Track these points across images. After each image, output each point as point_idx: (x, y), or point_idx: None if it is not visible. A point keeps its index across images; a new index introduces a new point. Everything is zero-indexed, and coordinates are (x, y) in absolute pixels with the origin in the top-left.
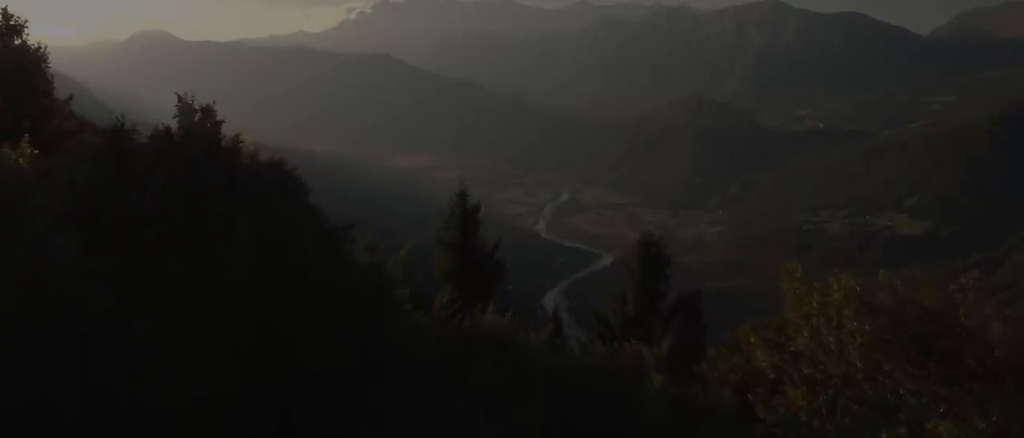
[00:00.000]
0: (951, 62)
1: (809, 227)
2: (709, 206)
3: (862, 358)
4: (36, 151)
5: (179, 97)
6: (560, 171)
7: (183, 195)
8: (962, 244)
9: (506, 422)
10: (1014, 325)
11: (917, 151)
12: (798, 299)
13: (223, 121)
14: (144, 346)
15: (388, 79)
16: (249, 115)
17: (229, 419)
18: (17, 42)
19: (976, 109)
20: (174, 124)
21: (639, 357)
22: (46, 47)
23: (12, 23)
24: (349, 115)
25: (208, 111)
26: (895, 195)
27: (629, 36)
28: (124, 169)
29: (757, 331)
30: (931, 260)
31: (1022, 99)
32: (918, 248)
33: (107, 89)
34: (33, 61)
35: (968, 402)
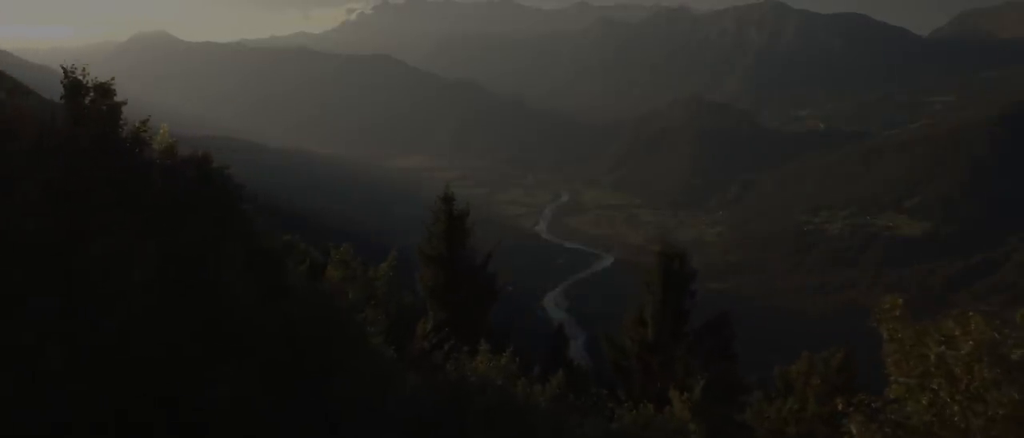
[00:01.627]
0: (951, 62)
1: (809, 228)
2: (709, 207)
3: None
4: None
5: (65, 71)
6: (560, 171)
7: (63, 203)
8: (963, 245)
9: None
10: None
11: (917, 151)
12: (905, 351)
13: (124, 102)
14: None
15: (388, 80)
16: (249, 116)
17: None
18: None
19: (976, 109)
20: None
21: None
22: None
23: None
24: (349, 116)
25: (103, 90)
26: (895, 196)
27: (629, 36)
28: None
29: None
30: (932, 261)
31: (1022, 99)
32: (919, 249)
33: None
34: None
35: None
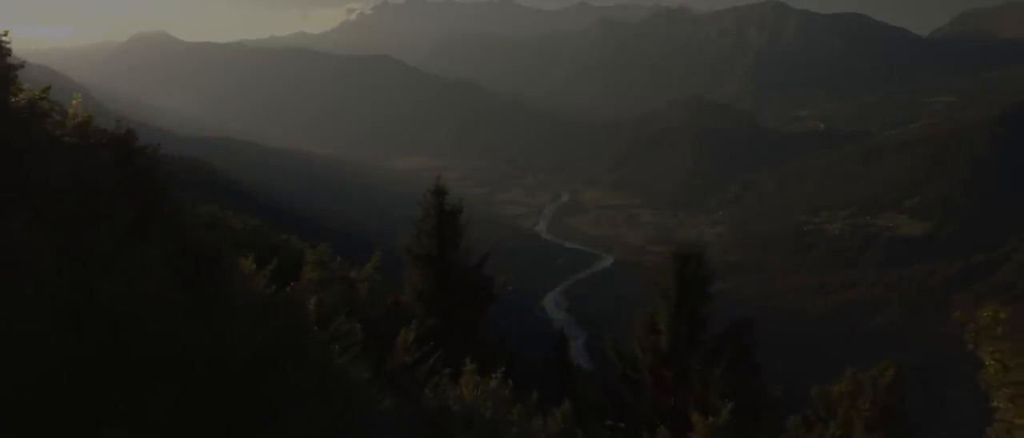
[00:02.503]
0: (952, 62)
1: (809, 228)
2: (709, 207)
3: None
4: None
5: None
6: (560, 172)
7: None
8: (963, 245)
9: None
10: None
11: (918, 152)
12: (1018, 379)
13: (20, 65)
14: None
15: (388, 80)
16: (249, 116)
17: None
18: None
19: (977, 109)
20: None
21: None
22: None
23: None
24: (349, 116)
25: None
26: (896, 196)
27: (629, 37)
28: None
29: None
30: (932, 261)
31: (1023, 99)
32: (919, 249)
33: (107, 90)
34: None
35: None
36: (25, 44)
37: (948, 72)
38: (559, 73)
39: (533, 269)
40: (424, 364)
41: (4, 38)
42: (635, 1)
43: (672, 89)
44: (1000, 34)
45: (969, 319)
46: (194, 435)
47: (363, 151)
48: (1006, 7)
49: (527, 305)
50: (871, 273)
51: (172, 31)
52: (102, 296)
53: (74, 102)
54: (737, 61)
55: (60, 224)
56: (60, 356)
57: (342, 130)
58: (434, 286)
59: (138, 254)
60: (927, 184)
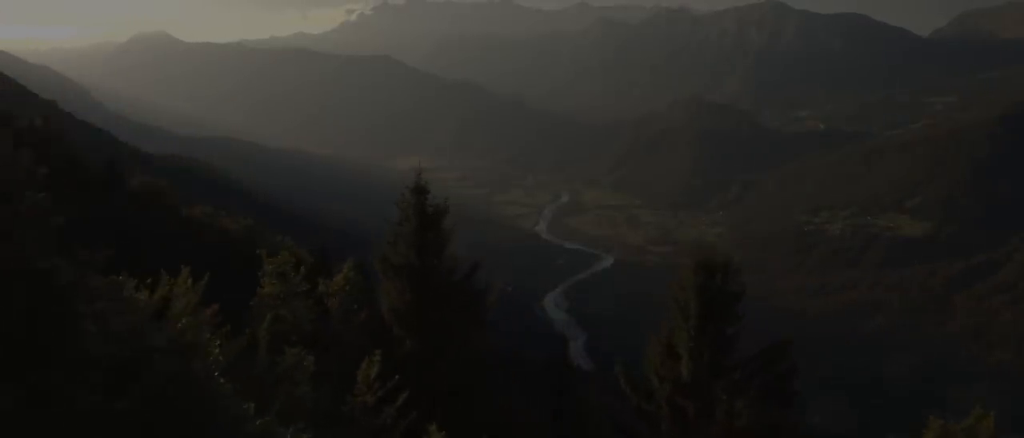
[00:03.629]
0: (952, 63)
1: (810, 228)
2: (709, 207)
3: None
4: None
5: None
6: (560, 172)
7: None
8: (964, 245)
9: None
10: None
11: (918, 152)
12: None
13: None
14: None
15: (388, 80)
16: (249, 116)
17: None
18: None
19: (977, 110)
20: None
21: None
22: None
23: None
24: (349, 116)
25: None
26: (896, 196)
27: (629, 37)
28: None
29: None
30: (933, 261)
31: (1023, 100)
32: (920, 249)
33: (107, 91)
34: None
35: None
36: (26, 44)
37: (948, 72)
38: (559, 73)
39: (533, 269)
40: (391, 403)
41: None
42: (635, 1)
43: (672, 89)
44: (1000, 34)
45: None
46: None
47: (363, 151)
48: (1006, 7)
49: (527, 305)
50: (872, 273)
51: (172, 31)
52: None
53: None
54: (737, 61)
55: None
56: None
57: (342, 130)
58: (413, 302)
59: None
60: (928, 184)
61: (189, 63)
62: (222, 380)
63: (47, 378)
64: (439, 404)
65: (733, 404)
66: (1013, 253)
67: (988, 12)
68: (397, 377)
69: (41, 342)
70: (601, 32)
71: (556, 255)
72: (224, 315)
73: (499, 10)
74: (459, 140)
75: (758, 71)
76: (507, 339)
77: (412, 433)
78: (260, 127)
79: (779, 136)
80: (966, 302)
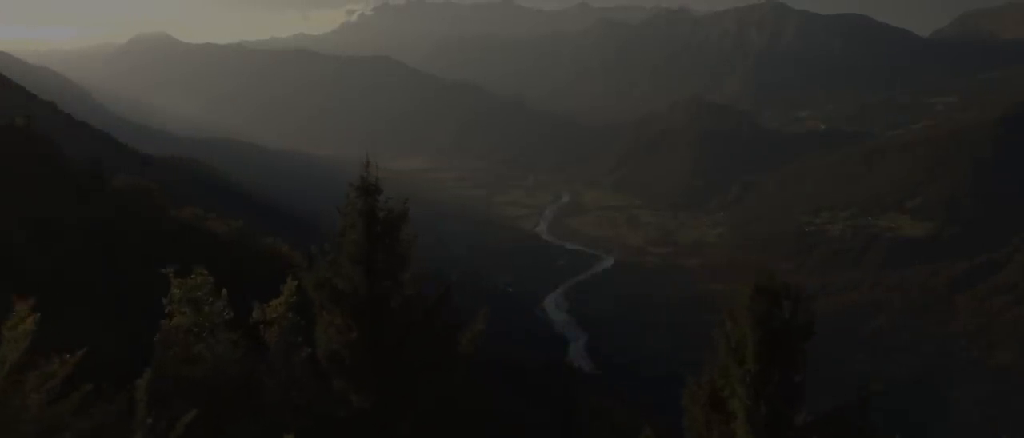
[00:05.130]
0: (953, 63)
1: (811, 229)
2: (710, 208)
3: None
4: None
5: None
6: (560, 172)
7: None
8: (965, 246)
9: None
10: None
11: (919, 152)
12: None
13: None
14: None
15: (388, 81)
16: (249, 117)
17: None
18: None
19: (978, 110)
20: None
21: None
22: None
23: None
24: (349, 117)
25: None
26: (897, 196)
27: (629, 37)
28: None
29: None
30: (934, 262)
31: None
32: (921, 250)
33: (108, 92)
34: None
35: None
36: (26, 45)
37: (949, 73)
38: (560, 74)
39: (533, 270)
40: None
41: None
42: (635, 2)
43: (673, 90)
44: (1001, 34)
45: None
46: None
47: (363, 152)
48: (1007, 7)
49: (528, 306)
50: (873, 274)
51: (172, 32)
52: None
53: None
54: (738, 62)
55: None
56: None
57: (342, 131)
58: (361, 344)
59: None
60: (929, 185)
61: (189, 64)
62: None
63: None
64: None
65: None
66: (1014, 253)
67: (989, 12)
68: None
69: None
70: (601, 33)
71: (556, 256)
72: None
73: (499, 11)
74: (459, 141)
75: (758, 72)
76: (507, 341)
77: None
78: (260, 128)
79: (780, 137)
80: (968, 302)
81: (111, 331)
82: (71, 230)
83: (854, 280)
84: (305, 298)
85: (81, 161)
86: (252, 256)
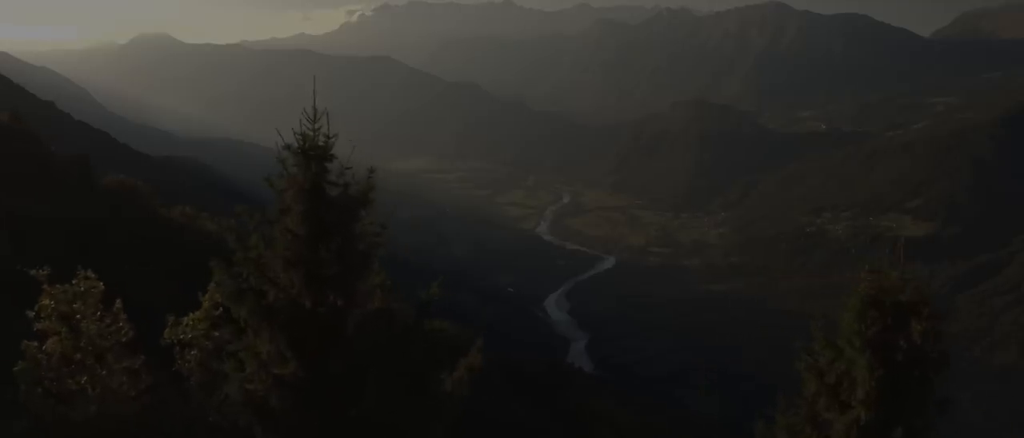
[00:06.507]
0: (953, 63)
1: (812, 229)
2: (711, 208)
3: None
4: None
5: None
6: (561, 173)
7: None
8: (966, 246)
9: None
10: None
11: (920, 152)
12: None
13: None
14: None
15: (388, 81)
16: (250, 117)
17: None
18: None
19: (979, 110)
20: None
21: None
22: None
23: None
24: (349, 118)
25: None
26: (898, 196)
27: (630, 38)
28: None
29: None
30: (935, 262)
31: None
32: (922, 250)
33: (108, 92)
34: None
35: None
36: (26, 45)
37: (950, 73)
38: (560, 74)
39: (534, 271)
40: None
41: None
42: (636, 2)
43: (673, 90)
44: (1001, 35)
45: None
46: None
47: (364, 152)
48: (1007, 7)
49: (528, 307)
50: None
51: (173, 33)
52: None
53: None
54: (739, 62)
55: None
56: None
57: (342, 131)
58: (299, 383)
59: None
60: (930, 185)
61: (190, 64)
62: None
63: None
64: None
65: None
66: (1016, 253)
67: (989, 13)
68: None
69: None
70: (602, 33)
71: (557, 256)
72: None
73: (500, 11)
74: (460, 141)
75: (759, 72)
76: (508, 341)
77: None
78: (260, 128)
79: (781, 137)
80: (968, 303)
81: None
82: (52, 229)
83: (855, 281)
84: None
85: (69, 158)
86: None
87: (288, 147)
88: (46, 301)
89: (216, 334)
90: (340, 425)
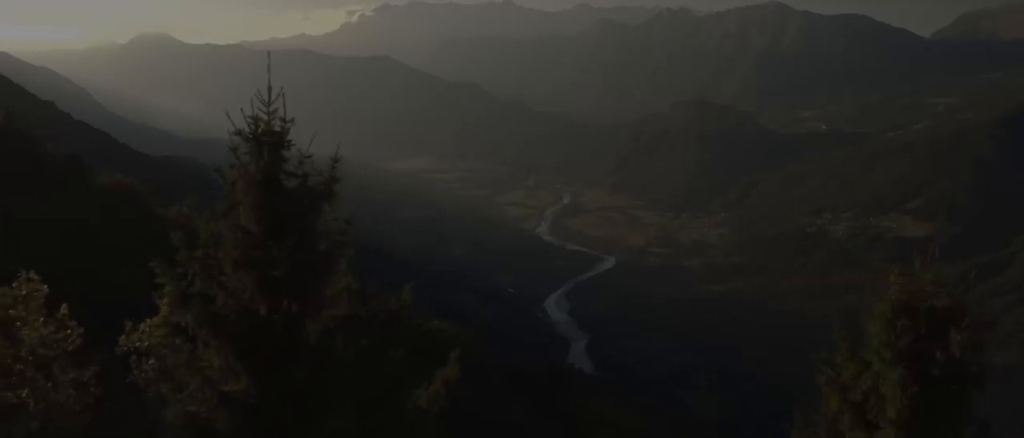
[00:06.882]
0: (954, 64)
1: (812, 230)
2: (711, 208)
3: None
4: None
5: None
6: (561, 173)
7: None
8: (967, 246)
9: None
10: None
11: (920, 153)
12: None
13: None
14: None
15: (388, 81)
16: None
17: None
18: None
19: (979, 111)
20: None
21: None
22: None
23: None
24: (349, 118)
25: None
26: (899, 197)
27: (630, 38)
28: None
29: None
30: (936, 263)
31: None
32: (922, 250)
33: (108, 92)
34: None
35: None
36: (26, 45)
37: (950, 73)
38: (560, 75)
39: (534, 271)
40: None
41: None
42: (636, 2)
43: (674, 90)
44: (1001, 35)
45: None
46: None
47: (364, 153)
48: (1007, 8)
49: (528, 307)
50: (875, 275)
51: (173, 33)
52: None
53: None
54: (739, 63)
55: None
56: None
57: (343, 132)
58: (252, 401)
59: None
60: (930, 185)
61: (190, 64)
62: None
63: None
64: None
65: None
66: (1016, 254)
67: (989, 13)
68: None
69: None
70: (602, 33)
71: (557, 256)
72: None
73: (500, 11)
74: (460, 141)
75: (760, 72)
76: (508, 342)
77: None
78: None
79: (781, 137)
80: (969, 303)
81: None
82: (45, 229)
83: (855, 281)
84: None
85: (63, 158)
86: None
87: (239, 132)
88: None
89: (179, 340)
90: None
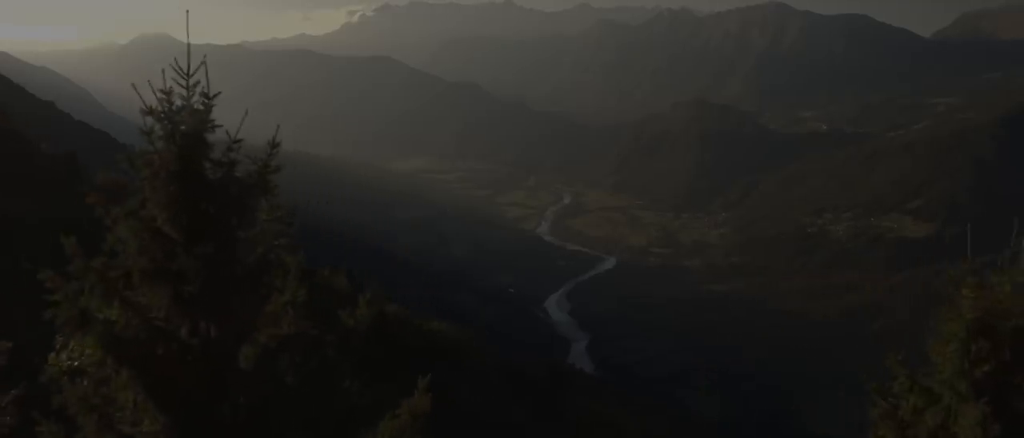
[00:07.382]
0: (954, 64)
1: (813, 230)
2: (712, 208)
3: None
4: None
5: None
6: (562, 173)
7: None
8: (967, 246)
9: None
10: None
11: (921, 153)
12: None
13: None
14: None
15: (389, 81)
16: (250, 118)
17: None
18: None
19: (980, 110)
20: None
21: None
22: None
23: None
24: (350, 118)
25: None
26: (899, 197)
27: (630, 38)
28: None
29: None
30: (936, 262)
31: None
32: (923, 250)
33: (108, 92)
34: None
35: None
36: (26, 45)
37: (951, 73)
38: (561, 75)
39: (535, 271)
40: None
41: None
42: (637, 3)
43: (674, 91)
44: (1001, 35)
45: None
46: None
47: (364, 153)
48: (1007, 8)
49: (529, 307)
50: (875, 275)
51: (173, 33)
52: None
53: None
54: (739, 63)
55: None
56: None
57: (343, 132)
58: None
59: None
60: (931, 185)
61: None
62: None
63: None
64: None
65: None
66: (1017, 254)
67: (989, 13)
68: None
69: None
70: (603, 33)
71: (558, 257)
72: None
73: (500, 12)
74: (461, 142)
75: (760, 72)
76: (508, 342)
77: None
78: (261, 129)
79: (781, 137)
80: None
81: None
82: (37, 229)
83: (856, 281)
84: None
85: (57, 157)
86: None
87: (150, 111)
88: None
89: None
90: None
